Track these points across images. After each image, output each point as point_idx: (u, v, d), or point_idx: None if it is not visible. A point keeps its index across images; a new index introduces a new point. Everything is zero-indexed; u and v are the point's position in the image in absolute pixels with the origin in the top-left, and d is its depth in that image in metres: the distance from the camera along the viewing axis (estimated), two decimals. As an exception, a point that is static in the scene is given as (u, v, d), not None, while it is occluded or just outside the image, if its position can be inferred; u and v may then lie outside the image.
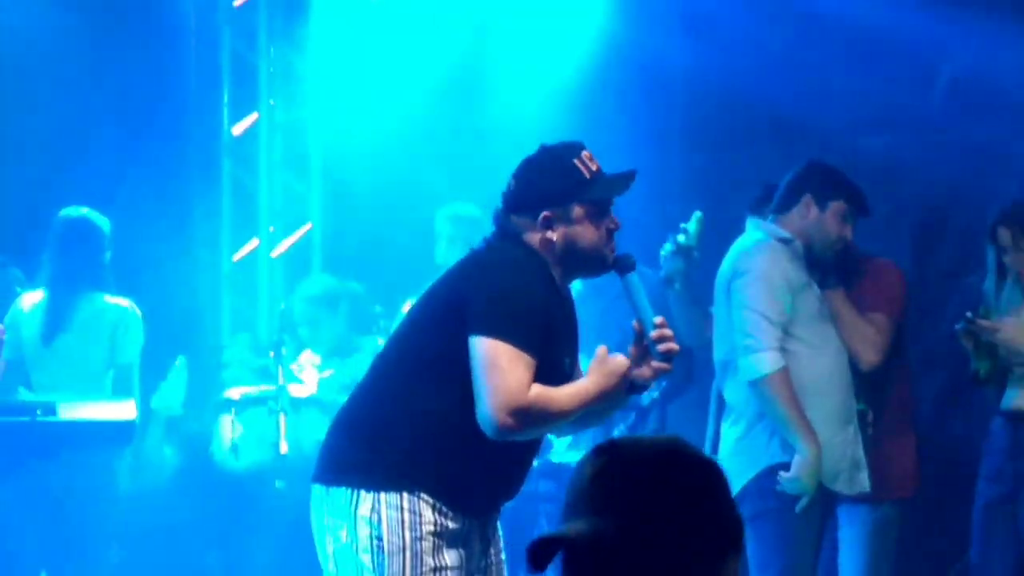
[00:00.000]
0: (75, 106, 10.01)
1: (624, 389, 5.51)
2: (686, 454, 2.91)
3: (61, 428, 7.97)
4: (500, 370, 5.32)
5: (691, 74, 9.96)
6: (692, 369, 8.45)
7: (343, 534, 5.42)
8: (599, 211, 5.58)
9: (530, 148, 5.87)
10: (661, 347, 5.52)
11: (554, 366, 5.55)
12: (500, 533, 5.64)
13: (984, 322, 7.44)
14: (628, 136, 9.66)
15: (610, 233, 5.62)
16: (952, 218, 8.91)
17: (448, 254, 8.70)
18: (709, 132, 10.07)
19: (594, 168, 5.61)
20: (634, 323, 5.65)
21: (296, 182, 11.35)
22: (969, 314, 7.47)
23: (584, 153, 5.63)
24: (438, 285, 5.71)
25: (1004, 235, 7.59)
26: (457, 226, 9.00)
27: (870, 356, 7.46)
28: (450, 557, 5.38)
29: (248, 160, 11.36)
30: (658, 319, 5.58)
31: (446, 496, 5.39)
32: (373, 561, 5.35)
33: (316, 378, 9.67)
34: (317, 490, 5.56)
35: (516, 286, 5.47)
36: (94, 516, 8.68)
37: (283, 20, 11.22)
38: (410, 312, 5.88)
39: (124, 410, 8.16)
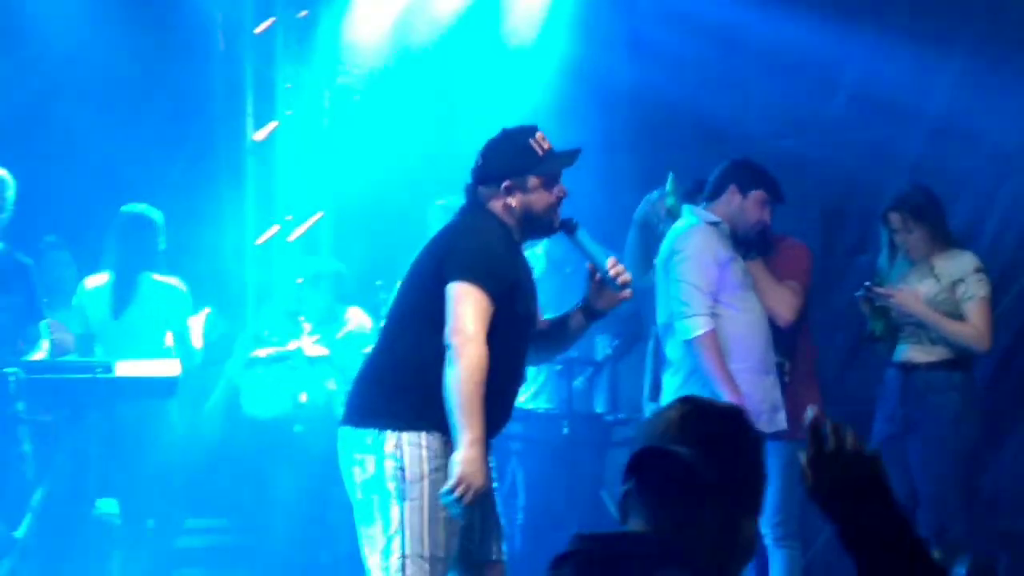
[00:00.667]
0: (126, 117, 10.08)
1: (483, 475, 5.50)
2: (747, 417, 3.29)
3: (116, 383, 7.98)
4: (465, 303, 5.57)
5: (635, 88, 10.08)
6: (640, 331, 8.53)
7: (370, 467, 5.59)
8: (550, 181, 5.83)
9: None
10: (619, 280, 5.83)
11: (521, 313, 5.81)
12: (493, 464, 5.77)
13: (879, 289, 7.62)
14: (585, 139, 8.87)
15: (559, 200, 5.88)
16: (851, 205, 9.09)
17: None
18: (650, 135, 10.15)
19: (546, 146, 5.86)
20: (588, 265, 5.94)
21: (309, 178, 11.42)
22: (867, 283, 7.66)
23: (538, 134, 5.91)
24: (424, 252, 5.88)
25: (894, 219, 7.77)
26: (446, 215, 8.55)
27: (787, 315, 7.59)
28: None
29: (268, 160, 11.41)
30: (610, 260, 5.86)
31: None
32: (396, 488, 5.52)
33: (309, 342, 9.74)
34: (345, 431, 5.76)
35: (483, 243, 5.72)
36: (147, 455, 8.88)
37: (296, 43, 11.24)
38: (405, 277, 5.96)
39: (169, 367, 8.25)
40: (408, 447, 5.60)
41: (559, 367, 8.50)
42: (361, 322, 9.77)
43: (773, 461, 7.54)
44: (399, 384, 5.72)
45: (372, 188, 10.32)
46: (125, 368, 8.07)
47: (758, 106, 9.43)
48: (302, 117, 11.39)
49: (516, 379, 5.96)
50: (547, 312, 8.46)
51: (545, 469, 8.67)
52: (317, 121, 11.38)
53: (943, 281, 7.70)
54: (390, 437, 5.61)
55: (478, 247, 5.73)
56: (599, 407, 9.00)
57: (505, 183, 5.81)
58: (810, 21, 8.95)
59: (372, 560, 5.63)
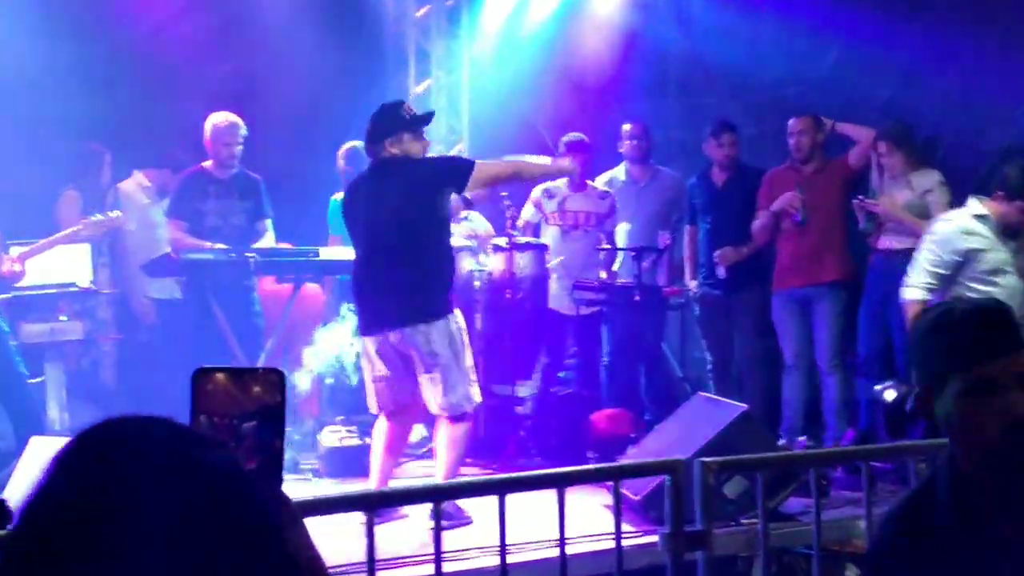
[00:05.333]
0: (322, 78, 9.16)
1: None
2: None
3: (322, 263, 7.26)
4: None
5: (681, 50, 9.13)
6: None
7: (447, 339, 5.55)
8: (418, 135, 5.63)
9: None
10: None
11: None
12: None
13: (868, 201, 6.89)
14: (646, 89, 9.14)
15: (425, 148, 5.71)
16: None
17: None
18: (690, 86, 9.27)
19: (412, 113, 5.67)
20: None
21: (454, 119, 10.35)
22: (860, 196, 6.93)
23: (405, 105, 5.70)
24: (403, 193, 5.56)
25: (881, 146, 6.93)
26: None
27: None
28: None
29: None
30: None
31: None
32: (463, 345, 5.61)
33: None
34: (422, 326, 5.53)
35: None
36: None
37: (446, 22, 10.34)
38: (390, 215, 5.58)
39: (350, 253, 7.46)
40: (460, 319, 5.60)
41: (633, 253, 7.57)
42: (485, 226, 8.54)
43: (831, 307, 7.03)
44: (440, 283, 5.56)
45: (499, 126, 9.28)
46: (327, 252, 7.38)
47: (769, 63, 8.32)
48: (449, 76, 10.43)
49: None
50: (628, 209, 8.07)
51: (622, 325, 7.81)
52: (458, 79, 10.42)
53: (916, 191, 6.86)
54: (451, 318, 5.51)
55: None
56: (660, 281, 8.05)
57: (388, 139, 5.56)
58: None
59: (462, 394, 5.53)
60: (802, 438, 7.10)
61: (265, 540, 1.06)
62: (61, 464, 1.05)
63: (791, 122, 7.17)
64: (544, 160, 5.97)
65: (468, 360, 5.57)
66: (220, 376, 1.25)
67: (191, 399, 1.25)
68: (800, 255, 7.14)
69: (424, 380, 5.53)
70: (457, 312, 5.58)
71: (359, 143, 7.94)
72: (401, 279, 5.47)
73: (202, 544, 1.02)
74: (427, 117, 5.76)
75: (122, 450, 1.05)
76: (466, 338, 5.60)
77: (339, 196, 7.76)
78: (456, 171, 5.54)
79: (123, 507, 1.01)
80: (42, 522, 1.02)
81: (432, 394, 5.53)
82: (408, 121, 5.59)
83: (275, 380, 1.28)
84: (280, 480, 1.27)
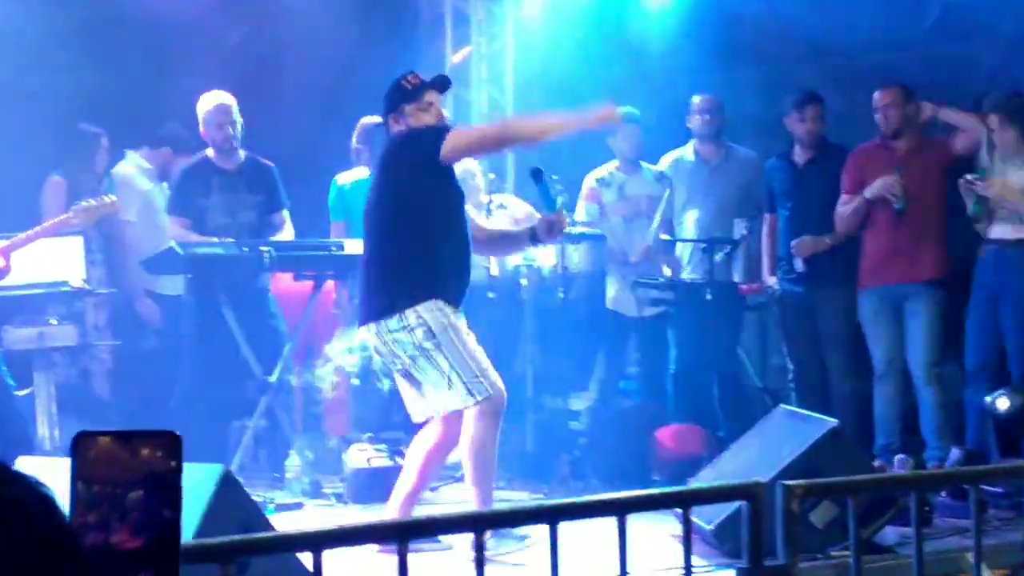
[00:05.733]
0: (350, 46, 9.30)
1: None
2: None
3: (347, 257, 7.15)
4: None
5: (757, 10, 9.05)
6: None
7: (406, 340, 5.43)
8: (423, 105, 5.54)
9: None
10: (561, 226, 5.78)
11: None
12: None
13: (978, 184, 6.78)
14: (716, 56, 9.01)
15: (438, 119, 5.59)
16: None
17: None
18: (768, 51, 9.25)
19: (415, 82, 5.59)
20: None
21: (497, 92, 10.34)
22: (967, 176, 6.82)
23: (410, 75, 5.64)
24: (381, 179, 5.64)
25: (992, 120, 6.84)
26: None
27: None
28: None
29: (464, 78, 10.30)
30: (559, 212, 5.79)
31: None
32: (432, 343, 5.40)
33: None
34: (371, 326, 5.54)
35: None
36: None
37: None
38: (371, 204, 5.67)
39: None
40: (427, 313, 5.37)
41: (703, 245, 7.62)
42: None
43: (929, 308, 7.04)
44: (398, 275, 5.48)
45: (545, 98, 9.17)
46: (351, 246, 7.24)
47: (859, 25, 8.33)
48: (490, 43, 10.46)
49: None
50: (698, 193, 8.01)
51: (691, 328, 7.81)
52: (501, 46, 10.40)
53: (1033, 172, 6.79)
54: (413, 312, 5.37)
55: None
56: (735, 278, 8.05)
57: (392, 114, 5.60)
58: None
59: (443, 398, 5.41)
60: (900, 458, 7.05)
61: None
62: None
63: (876, 95, 7.17)
64: (555, 115, 5.72)
65: (449, 358, 5.36)
66: (104, 440, 1.26)
67: (71, 465, 1.26)
68: (894, 248, 7.13)
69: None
70: (434, 304, 5.39)
71: (372, 119, 8.00)
72: (364, 271, 5.64)
73: None
74: (435, 82, 5.69)
75: None
76: (455, 333, 5.40)
77: (341, 177, 7.80)
78: (426, 138, 5.47)
79: None
80: None
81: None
82: (409, 91, 5.58)
83: (169, 443, 1.28)
84: (174, 562, 1.26)
